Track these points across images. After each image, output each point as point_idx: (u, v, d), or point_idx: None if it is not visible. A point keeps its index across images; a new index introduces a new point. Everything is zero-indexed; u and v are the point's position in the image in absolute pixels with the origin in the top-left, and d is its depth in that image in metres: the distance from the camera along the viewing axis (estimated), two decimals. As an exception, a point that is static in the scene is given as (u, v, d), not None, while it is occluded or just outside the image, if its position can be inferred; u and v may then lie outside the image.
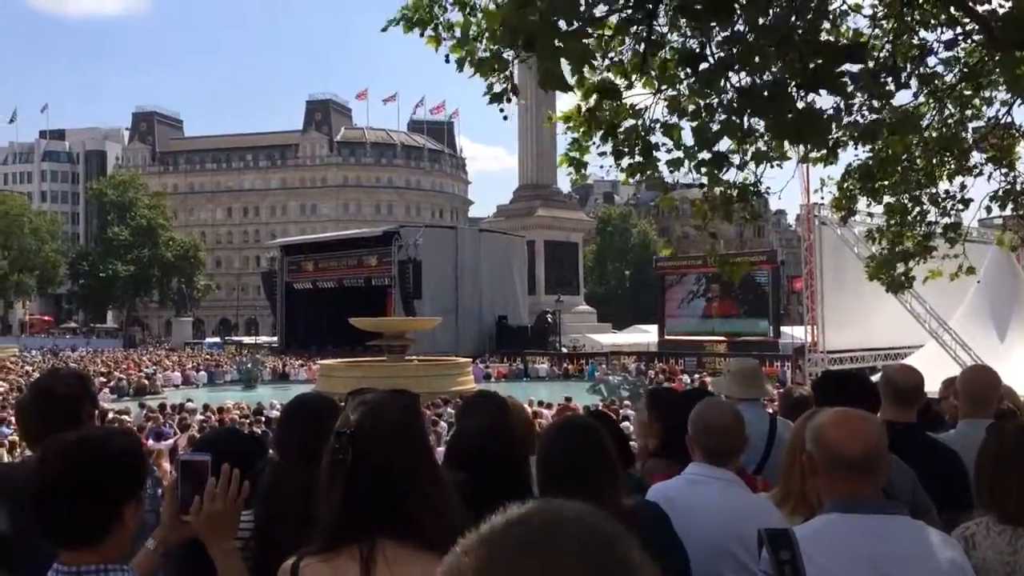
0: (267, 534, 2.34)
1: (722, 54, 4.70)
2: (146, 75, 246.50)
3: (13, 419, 13.09)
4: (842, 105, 5.79)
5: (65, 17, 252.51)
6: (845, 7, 6.21)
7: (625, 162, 5.56)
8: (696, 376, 30.26)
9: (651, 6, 4.29)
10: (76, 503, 1.77)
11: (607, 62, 5.31)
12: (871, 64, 6.09)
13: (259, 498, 2.52)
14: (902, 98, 6.44)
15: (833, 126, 6.07)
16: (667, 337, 42.65)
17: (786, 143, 5.79)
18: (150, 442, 12.25)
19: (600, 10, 4.44)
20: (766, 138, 5.66)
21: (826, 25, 6.11)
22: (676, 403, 3.65)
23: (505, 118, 5.15)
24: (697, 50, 4.59)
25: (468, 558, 0.78)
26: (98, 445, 1.86)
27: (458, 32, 4.92)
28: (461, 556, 0.79)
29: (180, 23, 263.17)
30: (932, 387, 5.07)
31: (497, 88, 5.04)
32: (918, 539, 2.16)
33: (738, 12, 4.25)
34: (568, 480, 2.30)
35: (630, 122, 5.47)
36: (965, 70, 6.85)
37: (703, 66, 4.63)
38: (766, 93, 4.77)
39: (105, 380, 29.77)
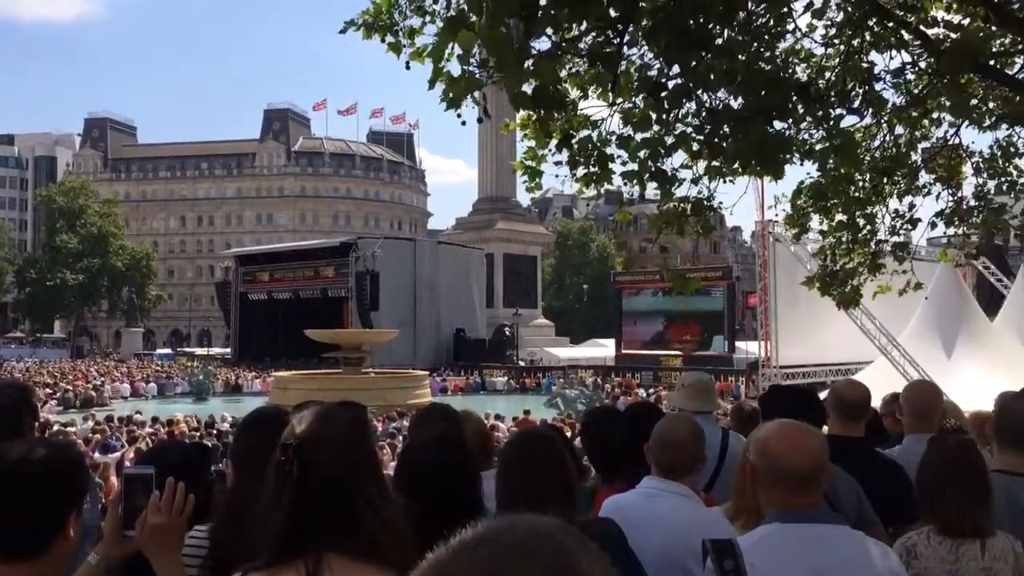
0: (223, 550, 2.29)
1: (680, 81, 4.78)
2: (100, 81, 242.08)
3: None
4: (792, 128, 5.92)
5: (19, 21, 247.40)
6: (799, 33, 6.34)
7: (580, 171, 5.60)
8: (652, 390, 30.47)
9: (621, 27, 4.35)
10: (16, 515, 1.72)
11: (564, 73, 5.35)
12: (821, 84, 6.25)
13: (215, 514, 2.48)
14: (851, 119, 6.58)
15: (791, 149, 6.22)
16: (624, 351, 42.92)
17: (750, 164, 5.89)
18: (96, 455, 11.96)
19: (572, 33, 4.49)
20: (723, 158, 5.74)
21: (781, 46, 6.25)
22: (604, 426, 3.67)
23: (464, 123, 5.14)
24: (658, 79, 4.66)
25: None
26: (39, 456, 1.81)
27: (420, 39, 4.92)
28: None
29: (136, 29, 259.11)
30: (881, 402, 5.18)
31: (466, 104, 5.04)
32: (857, 548, 2.20)
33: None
34: (525, 491, 2.30)
35: (585, 132, 5.51)
36: (911, 96, 7.03)
37: (664, 93, 4.71)
38: (733, 116, 4.87)
39: (51, 391, 29.07)
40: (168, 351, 65.52)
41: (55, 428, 14.24)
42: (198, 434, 15.26)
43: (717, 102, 5.13)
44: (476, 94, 4.83)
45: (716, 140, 4.99)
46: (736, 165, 5.67)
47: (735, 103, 5.06)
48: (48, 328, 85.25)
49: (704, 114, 5.01)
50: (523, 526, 0.78)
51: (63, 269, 73.45)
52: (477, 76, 4.63)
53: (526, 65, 4.09)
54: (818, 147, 5.98)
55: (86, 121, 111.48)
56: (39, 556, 1.75)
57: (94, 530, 2.69)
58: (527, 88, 4.24)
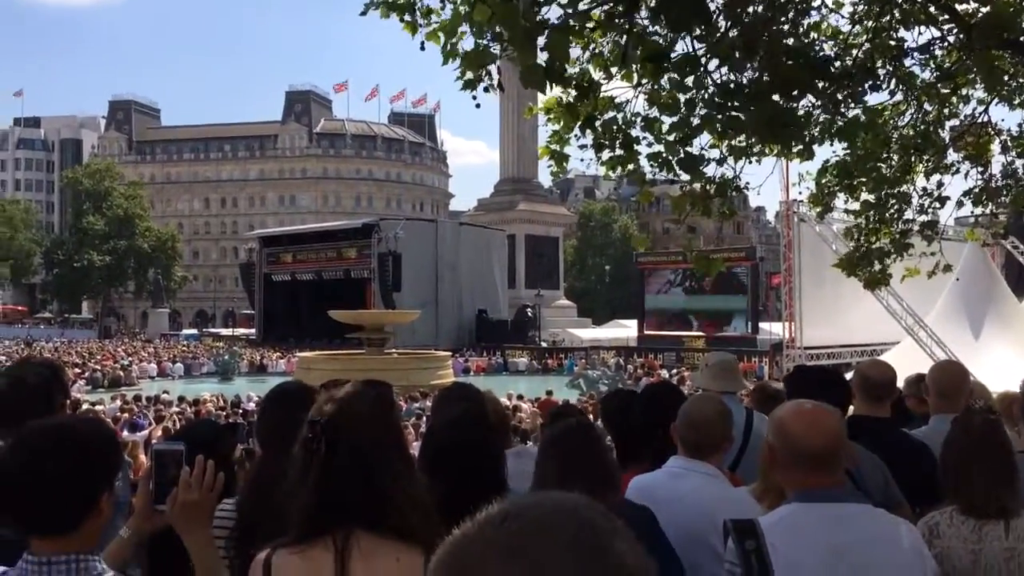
0: (250, 526, 2.32)
1: (695, 50, 4.72)
2: (124, 64, 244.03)
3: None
4: (815, 103, 5.84)
5: (43, 5, 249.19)
6: (825, 10, 6.25)
7: (605, 155, 5.56)
8: (675, 371, 30.41)
9: (632, 1, 4.30)
10: (50, 491, 1.75)
11: (587, 54, 5.31)
12: (848, 62, 6.16)
13: (242, 490, 2.51)
14: (879, 97, 6.51)
15: (810, 124, 6.14)
16: (647, 332, 42.82)
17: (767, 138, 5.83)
18: (125, 433, 12.14)
19: (584, 3, 4.45)
20: (745, 135, 5.69)
21: (807, 21, 6.16)
22: (624, 409, 3.68)
23: (478, 106, 5.11)
24: (664, 47, 4.60)
25: (456, 556, 0.76)
26: (75, 431, 1.84)
27: (436, 19, 4.90)
28: (450, 553, 0.77)
29: (158, 12, 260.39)
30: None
31: (483, 84, 5.03)
32: (879, 526, 2.19)
33: (717, 12, 4.28)
34: (565, 477, 2.32)
35: (610, 114, 5.47)
36: (941, 70, 6.92)
37: (667, 63, 4.66)
38: (746, 91, 4.81)
39: (80, 371, 29.50)
40: (194, 331, 66.15)
41: (84, 407, 14.47)
42: (224, 413, 15.44)
43: (728, 78, 5.06)
44: (492, 68, 4.80)
45: (731, 116, 4.94)
46: (753, 139, 5.61)
47: (747, 78, 4.99)
48: (76, 309, 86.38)
49: (714, 89, 4.95)
50: (548, 502, 0.79)
51: (90, 250, 74.27)
52: (491, 50, 4.61)
53: (538, 39, 4.06)
54: (842, 123, 5.90)
55: (110, 104, 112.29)
56: (72, 531, 1.77)
57: (125, 506, 2.74)
58: (538, 63, 4.21)
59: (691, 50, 4.72)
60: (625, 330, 49.06)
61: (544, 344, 44.12)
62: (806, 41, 6.05)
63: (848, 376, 4.00)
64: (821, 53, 6.07)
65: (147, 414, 15.74)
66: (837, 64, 5.90)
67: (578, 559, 0.73)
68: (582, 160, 5.95)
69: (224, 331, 66.32)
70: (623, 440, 3.60)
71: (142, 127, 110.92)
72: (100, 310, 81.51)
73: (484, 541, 0.76)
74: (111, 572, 1.81)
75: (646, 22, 4.85)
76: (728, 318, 40.13)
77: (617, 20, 4.45)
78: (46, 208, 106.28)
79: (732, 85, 4.93)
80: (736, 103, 4.77)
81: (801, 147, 6.50)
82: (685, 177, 5.85)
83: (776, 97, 4.84)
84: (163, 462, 2.12)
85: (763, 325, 39.69)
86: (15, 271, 79.21)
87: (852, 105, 6.08)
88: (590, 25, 4.73)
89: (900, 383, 4.40)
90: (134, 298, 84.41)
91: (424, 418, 13.25)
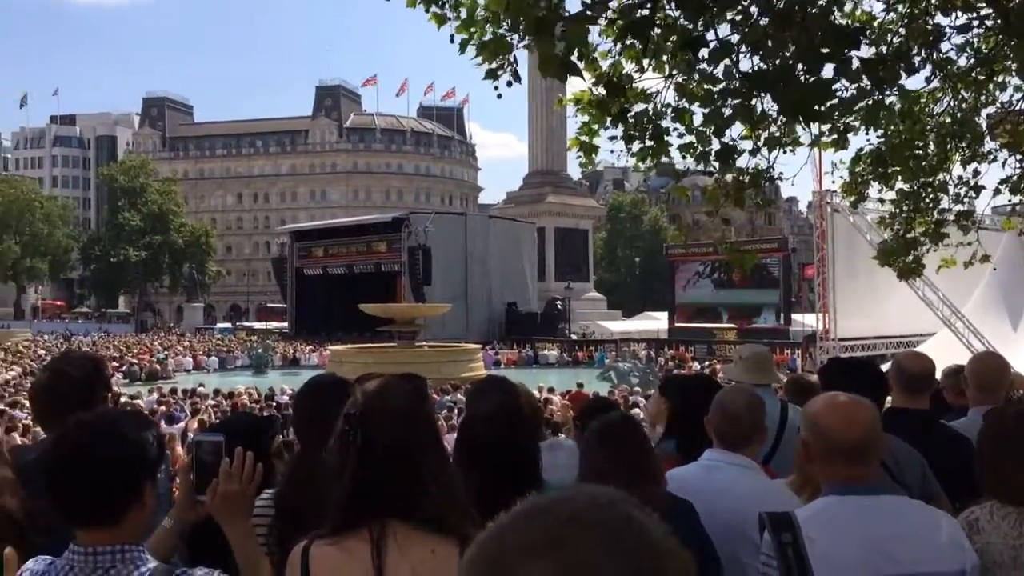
0: (290, 517, 2.35)
1: (728, 36, 4.67)
2: (157, 61, 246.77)
3: (26, 402, 13.20)
4: (848, 86, 5.75)
5: (75, 5, 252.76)
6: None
7: (636, 146, 5.53)
8: (707, 363, 30.23)
9: None
10: (94, 483, 1.78)
11: (619, 46, 5.27)
12: (883, 49, 6.06)
13: (281, 482, 2.54)
14: (915, 83, 6.41)
15: (841, 107, 6.04)
16: (677, 324, 42.57)
17: (797, 126, 5.76)
18: (163, 425, 12.33)
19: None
20: (778, 123, 5.62)
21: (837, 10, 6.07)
22: (685, 385, 3.77)
23: (500, 96, 5.08)
24: (698, 34, 4.55)
25: (492, 548, 0.76)
26: (118, 424, 1.87)
27: (464, 12, 4.89)
28: (485, 545, 0.77)
29: (190, 8, 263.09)
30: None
31: (504, 74, 5.01)
32: (916, 518, 2.17)
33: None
34: (614, 466, 2.33)
35: (641, 106, 5.44)
36: (979, 56, 6.79)
37: (703, 52, 4.61)
38: (774, 73, 4.74)
39: (117, 365, 29.96)
40: (228, 325, 66.91)
41: (122, 400, 14.72)
42: (258, 406, 15.62)
43: (756, 65, 5.00)
44: (510, 58, 4.78)
45: (759, 100, 4.88)
46: (785, 129, 5.55)
47: (774, 63, 4.92)
48: (113, 304, 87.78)
49: (740, 77, 4.89)
50: (584, 497, 0.79)
51: (126, 246, 75.46)
52: (507, 40, 4.59)
53: (556, 29, 4.04)
54: (869, 104, 5.80)
55: (144, 101, 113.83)
56: (117, 523, 1.80)
57: (165, 498, 2.78)
58: (556, 53, 4.19)
59: (718, 37, 4.67)
60: (655, 322, 48.85)
61: (574, 337, 44.07)
62: (839, 23, 5.96)
63: (885, 368, 3.95)
64: (856, 26, 5.96)
65: (184, 407, 15.97)
66: (871, 49, 5.82)
67: (615, 552, 0.73)
68: (612, 151, 5.92)
69: (257, 325, 67.01)
70: (675, 414, 3.58)
71: (175, 124, 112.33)
72: (136, 305, 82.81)
73: (520, 534, 0.75)
74: (155, 562, 1.84)
75: (675, 12, 4.81)
76: (758, 311, 39.75)
77: (638, 13, 4.41)
78: (82, 204, 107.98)
79: (759, 72, 4.88)
80: (762, 89, 4.71)
81: (836, 136, 6.42)
82: (717, 169, 5.80)
83: (803, 74, 4.78)
84: (203, 453, 2.15)
85: (796, 317, 39.30)
86: (53, 267, 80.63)
87: (886, 90, 5.98)
88: (609, 15, 4.70)
89: (938, 375, 4.33)
90: (169, 293, 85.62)
91: (456, 411, 13.30)
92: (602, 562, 0.72)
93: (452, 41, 4.99)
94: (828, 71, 4.40)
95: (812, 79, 4.46)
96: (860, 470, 2.18)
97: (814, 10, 4.82)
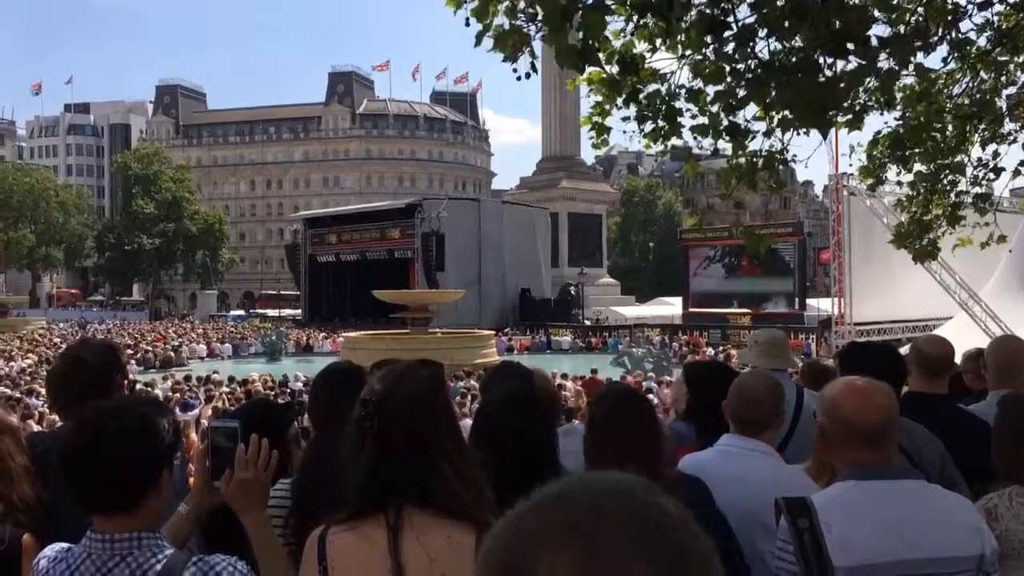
0: (305, 504, 2.35)
1: (748, 19, 4.62)
2: (169, 48, 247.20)
3: (43, 390, 13.31)
4: (864, 64, 5.67)
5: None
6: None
7: (648, 127, 5.48)
8: (721, 348, 30.15)
9: None
10: (112, 470, 1.78)
11: (631, 26, 5.22)
12: (901, 28, 5.97)
13: (297, 469, 2.54)
14: (933, 63, 6.32)
15: (859, 92, 5.97)
16: (691, 309, 42.46)
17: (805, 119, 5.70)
18: (177, 412, 12.41)
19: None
20: (783, 109, 5.56)
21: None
22: (703, 371, 3.79)
23: (519, 78, 5.05)
24: (720, 17, 4.50)
25: (511, 534, 0.75)
26: (135, 411, 1.87)
27: None
28: (505, 531, 0.76)
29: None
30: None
31: (522, 59, 4.97)
32: (934, 503, 2.16)
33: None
34: (614, 449, 2.31)
35: (654, 87, 5.39)
36: (999, 35, 6.69)
37: (727, 33, 4.56)
38: (793, 62, 4.70)
39: (132, 352, 30.16)
40: (241, 312, 67.23)
41: (137, 388, 14.82)
42: (272, 393, 15.69)
43: (774, 49, 4.94)
44: (528, 48, 4.75)
45: (774, 92, 4.83)
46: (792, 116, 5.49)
47: (792, 49, 4.86)
48: (127, 291, 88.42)
49: (756, 64, 4.84)
50: (603, 482, 0.78)
51: (140, 234, 75.82)
52: (525, 30, 4.56)
53: (575, 18, 4.00)
54: (882, 79, 5.73)
55: (157, 88, 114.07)
56: (135, 509, 1.81)
57: (181, 485, 2.79)
58: (573, 43, 4.16)
59: (738, 20, 4.62)
60: (669, 308, 48.74)
61: (588, 322, 44.02)
62: (857, 3, 5.88)
63: (903, 351, 3.91)
64: (871, 13, 5.89)
65: (198, 394, 16.06)
66: (890, 29, 5.73)
67: (636, 539, 0.72)
68: (624, 132, 5.87)
69: (271, 312, 67.39)
70: (694, 397, 3.57)
71: (188, 111, 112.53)
72: (150, 292, 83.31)
73: (539, 521, 0.75)
74: (172, 549, 1.84)
75: None
76: (768, 299, 39.57)
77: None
78: (97, 192, 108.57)
79: (776, 62, 4.83)
80: (778, 80, 4.66)
81: (851, 116, 6.35)
82: (729, 148, 5.74)
83: (822, 66, 4.72)
84: (219, 439, 2.15)
85: (810, 301, 39.13)
86: (68, 255, 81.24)
87: (903, 71, 5.90)
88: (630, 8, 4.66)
89: (957, 359, 4.29)
90: (183, 280, 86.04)
91: (469, 397, 13.31)
92: (623, 548, 0.71)
93: (468, 25, 4.95)
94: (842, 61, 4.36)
95: (829, 75, 4.41)
96: (878, 454, 2.16)
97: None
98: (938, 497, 2.18)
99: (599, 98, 5.46)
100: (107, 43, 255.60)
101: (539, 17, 4.29)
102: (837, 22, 4.44)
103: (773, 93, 4.75)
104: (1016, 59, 7.32)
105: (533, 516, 0.75)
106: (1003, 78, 7.57)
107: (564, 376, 18.29)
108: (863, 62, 4.82)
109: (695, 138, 5.60)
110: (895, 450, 2.25)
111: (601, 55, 4.81)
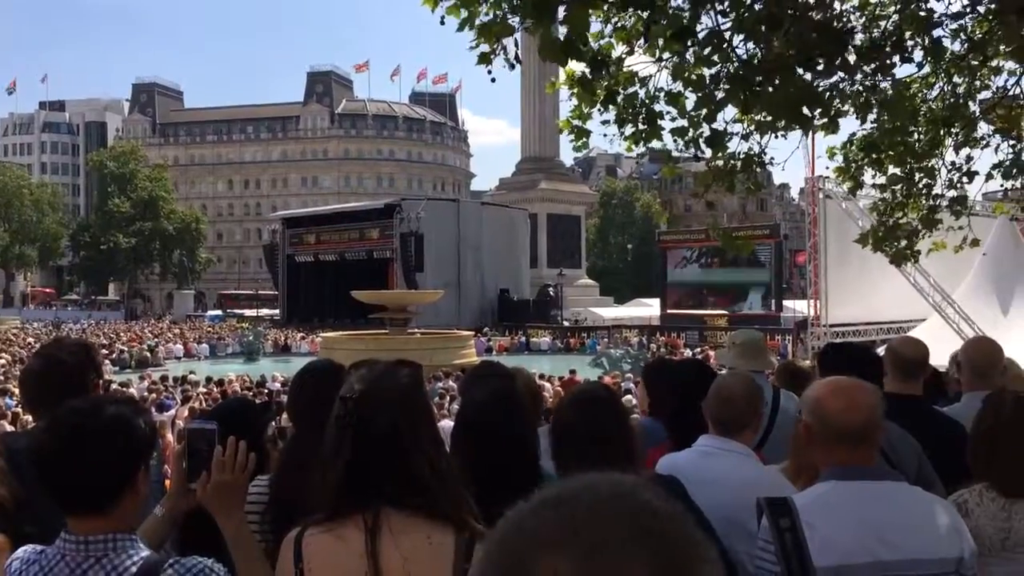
0: (283, 502, 2.34)
1: (719, 24, 4.65)
2: (146, 46, 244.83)
3: (16, 390, 13.14)
4: (843, 77, 5.73)
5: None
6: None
7: (628, 130, 5.50)
8: (698, 349, 30.29)
9: None
10: (87, 469, 1.76)
11: (610, 28, 5.24)
12: (875, 34, 6.04)
13: (274, 469, 2.52)
14: (907, 69, 6.38)
15: (836, 99, 6.03)
16: (669, 311, 42.66)
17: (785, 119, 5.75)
18: (154, 413, 12.28)
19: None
20: (764, 110, 5.61)
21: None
22: (663, 370, 3.84)
23: (493, 80, 5.03)
24: (686, 23, 4.52)
25: (510, 539, 0.74)
26: (110, 410, 1.84)
27: None
28: (503, 535, 0.75)
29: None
30: (935, 361, 5.06)
31: (501, 57, 4.95)
32: (915, 505, 2.17)
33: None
34: (586, 450, 2.30)
35: (632, 89, 5.41)
36: (972, 41, 6.77)
37: (701, 36, 4.58)
38: (770, 66, 4.73)
39: (107, 352, 29.84)
40: (218, 312, 66.70)
41: (113, 388, 14.65)
42: (250, 393, 15.57)
43: (751, 51, 4.98)
44: (509, 40, 4.73)
45: (754, 92, 4.86)
46: (771, 117, 5.53)
47: (771, 52, 4.90)
48: (103, 291, 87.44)
49: (738, 64, 4.87)
50: (605, 485, 0.78)
51: (116, 233, 75.02)
52: (509, 22, 4.55)
53: (558, 11, 4.00)
54: (870, 98, 5.80)
55: (134, 87, 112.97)
56: (110, 510, 1.78)
57: (157, 487, 2.76)
58: (557, 37, 4.15)
59: (715, 25, 4.65)
60: (647, 309, 48.94)
61: (566, 323, 44.10)
62: (833, 13, 5.94)
63: (880, 352, 3.95)
64: (848, 26, 5.96)
65: (174, 395, 15.92)
66: (863, 36, 5.79)
67: (639, 541, 0.72)
68: (604, 135, 5.89)
69: (248, 312, 66.89)
70: (652, 398, 3.59)
71: (165, 110, 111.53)
72: (126, 292, 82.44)
73: (540, 523, 0.74)
74: (148, 551, 1.82)
75: None
76: (744, 292, 39.84)
77: None
78: (72, 191, 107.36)
79: (756, 60, 4.86)
80: (760, 80, 4.70)
81: (826, 120, 6.41)
82: (709, 153, 5.78)
83: (800, 71, 4.76)
84: (196, 441, 2.13)
85: (787, 303, 39.42)
86: (43, 254, 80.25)
87: (880, 79, 5.97)
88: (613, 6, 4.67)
89: (933, 360, 4.33)
90: (160, 280, 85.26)
91: (448, 398, 13.29)
92: (623, 551, 0.71)
93: (443, 23, 4.93)
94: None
95: (806, 75, 4.45)
96: (861, 455, 2.17)
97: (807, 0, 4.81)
98: (919, 499, 2.19)
99: (576, 101, 5.47)
100: (83, 41, 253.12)
101: (521, 8, 4.28)
102: (810, 42, 4.49)
103: (752, 94, 4.78)
104: (990, 64, 7.42)
105: (533, 518, 0.75)
106: (977, 82, 7.66)
107: (544, 377, 18.31)
108: (841, 75, 4.88)
109: (675, 141, 5.63)
110: (877, 451, 2.27)
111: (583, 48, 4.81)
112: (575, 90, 5.35)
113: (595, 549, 0.71)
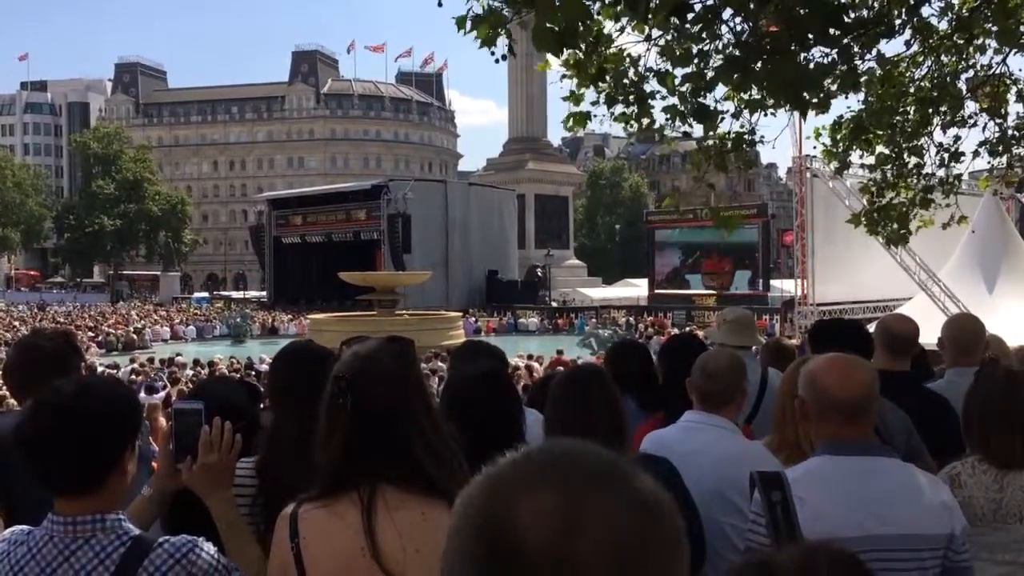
0: (270, 483, 2.33)
1: (713, 2, 4.62)
2: (129, 26, 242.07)
3: None
4: (836, 57, 5.71)
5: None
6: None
7: (618, 109, 5.49)
8: (687, 328, 30.41)
9: None
10: (73, 451, 1.74)
11: (597, 5, 5.21)
12: (864, 13, 6.02)
13: (260, 448, 2.51)
14: (895, 48, 6.39)
15: (827, 78, 6.02)
16: (657, 291, 42.79)
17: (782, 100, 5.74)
18: (141, 395, 12.23)
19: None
20: (761, 89, 5.59)
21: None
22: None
23: (497, 61, 5.03)
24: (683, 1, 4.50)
25: (485, 487, 0.78)
26: (96, 391, 1.83)
27: None
28: (478, 486, 0.79)
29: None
30: (924, 339, 5.10)
31: (500, 42, 4.94)
32: (906, 480, 2.19)
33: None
34: (575, 427, 2.31)
35: (622, 68, 5.39)
36: (959, 19, 6.77)
37: (691, 16, 4.56)
38: (763, 45, 4.71)
39: (93, 335, 29.70)
40: (205, 294, 66.39)
41: (99, 371, 14.59)
42: (238, 375, 15.53)
43: (746, 29, 4.96)
44: (505, 30, 4.72)
45: (746, 71, 4.85)
46: (769, 99, 5.52)
47: (762, 31, 4.88)
48: (88, 273, 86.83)
49: (730, 39, 4.86)
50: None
51: (100, 215, 74.34)
52: (503, 13, 4.54)
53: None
54: (857, 77, 5.79)
55: (116, 66, 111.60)
56: (97, 491, 1.77)
57: (145, 468, 2.74)
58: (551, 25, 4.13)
59: (705, 4, 4.62)
60: (635, 289, 49.06)
61: (554, 304, 44.15)
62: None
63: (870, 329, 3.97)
64: (837, 2, 5.94)
65: (162, 377, 15.86)
66: (852, 14, 5.77)
67: (609, 484, 0.76)
68: (595, 116, 5.87)
69: (235, 294, 66.61)
70: (639, 392, 3.61)
71: (148, 89, 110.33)
72: (112, 274, 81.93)
73: (520, 468, 0.78)
74: (136, 531, 1.81)
75: None
76: (732, 257, 40.07)
77: None
78: (55, 173, 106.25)
79: (749, 39, 4.84)
80: (752, 59, 4.68)
81: (816, 100, 6.40)
82: (699, 131, 5.76)
83: (793, 48, 4.74)
84: (183, 420, 2.12)
85: (774, 282, 39.59)
86: (26, 236, 79.47)
87: (867, 55, 5.95)
88: None
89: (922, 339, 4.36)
90: (145, 262, 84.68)
91: (436, 377, 13.30)
92: (599, 492, 0.75)
93: (440, 5, 4.90)
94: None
95: (804, 59, 4.44)
96: (856, 430, 2.19)
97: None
98: (911, 476, 2.21)
99: (572, 84, 5.45)
100: (64, 20, 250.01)
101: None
102: (802, 11, 4.47)
103: (746, 73, 4.77)
104: (976, 42, 7.42)
105: (510, 466, 0.79)
106: (963, 62, 7.67)
107: (532, 358, 18.35)
108: (829, 51, 4.87)
109: (667, 120, 5.61)
110: (871, 427, 2.29)
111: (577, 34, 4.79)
112: (572, 72, 5.32)
113: (573, 488, 0.75)
